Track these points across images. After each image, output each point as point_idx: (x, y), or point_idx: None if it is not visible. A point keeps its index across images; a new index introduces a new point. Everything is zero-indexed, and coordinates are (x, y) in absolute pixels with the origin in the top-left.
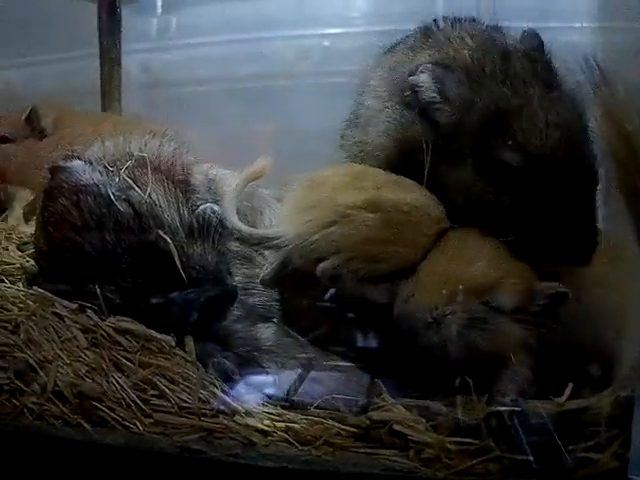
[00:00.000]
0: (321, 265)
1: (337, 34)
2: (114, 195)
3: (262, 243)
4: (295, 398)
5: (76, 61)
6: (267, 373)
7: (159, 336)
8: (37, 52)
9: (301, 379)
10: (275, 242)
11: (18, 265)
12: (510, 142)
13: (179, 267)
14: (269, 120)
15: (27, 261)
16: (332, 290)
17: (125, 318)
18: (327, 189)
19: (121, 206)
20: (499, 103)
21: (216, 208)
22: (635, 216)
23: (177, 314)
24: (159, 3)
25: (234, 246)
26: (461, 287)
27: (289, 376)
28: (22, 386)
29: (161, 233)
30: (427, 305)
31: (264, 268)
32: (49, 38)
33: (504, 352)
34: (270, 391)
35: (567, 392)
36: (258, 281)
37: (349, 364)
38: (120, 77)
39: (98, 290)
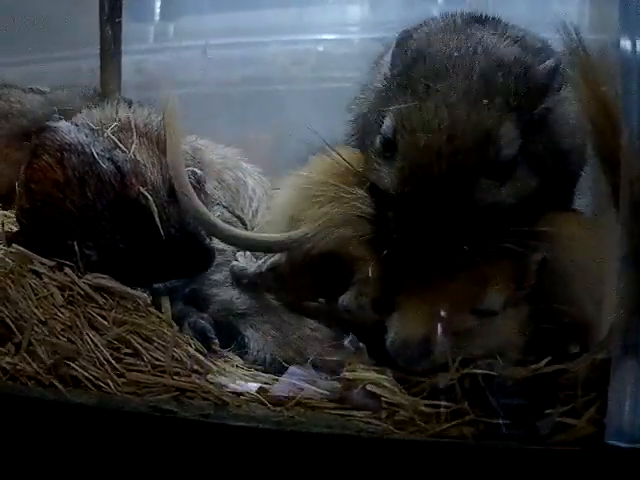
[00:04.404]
0: None
1: (332, 40)
2: (97, 154)
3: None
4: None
5: (79, 60)
6: (242, 336)
7: (135, 293)
8: (37, 50)
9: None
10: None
11: None
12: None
13: (158, 224)
14: (262, 124)
15: None
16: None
17: (102, 275)
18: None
19: (104, 164)
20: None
21: (199, 172)
22: (611, 179)
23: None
24: (157, 10)
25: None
26: (447, 308)
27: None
28: None
29: (142, 190)
30: (418, 339)
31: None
32: (51, 36)
33: (504, 345)
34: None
35: (544, 362)
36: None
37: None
38: (120, 72)
39: (77, 247)
